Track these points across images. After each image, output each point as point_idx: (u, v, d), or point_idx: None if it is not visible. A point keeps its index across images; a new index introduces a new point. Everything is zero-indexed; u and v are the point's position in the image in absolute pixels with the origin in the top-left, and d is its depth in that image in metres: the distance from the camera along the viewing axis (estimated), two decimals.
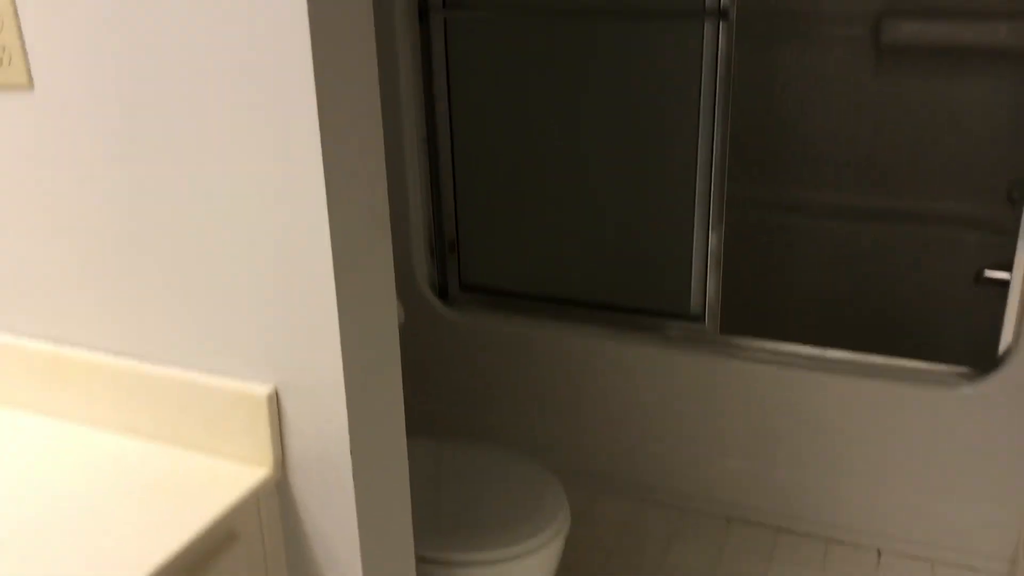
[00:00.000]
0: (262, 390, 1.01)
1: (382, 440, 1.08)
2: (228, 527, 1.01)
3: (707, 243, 2.11)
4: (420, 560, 1.48)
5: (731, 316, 2.26)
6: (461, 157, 2.31)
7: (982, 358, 1.99)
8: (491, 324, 2.33)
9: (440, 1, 2.17)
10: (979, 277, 2.04)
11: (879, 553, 2.13)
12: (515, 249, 2.34)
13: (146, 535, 0.93)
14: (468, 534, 1.51)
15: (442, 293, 2.42)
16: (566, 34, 2.10)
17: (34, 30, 1.03)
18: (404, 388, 1.12)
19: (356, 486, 1.03)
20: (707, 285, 2.14)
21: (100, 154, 1.03)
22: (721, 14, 1.91)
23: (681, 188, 2.11)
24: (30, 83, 1.05)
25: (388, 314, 1.05)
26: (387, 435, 1.09)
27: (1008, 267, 1.96)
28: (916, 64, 2.45)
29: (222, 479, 1.03)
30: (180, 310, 1.05)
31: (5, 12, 1.03)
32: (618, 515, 2.29)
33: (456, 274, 2.41)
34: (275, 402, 1.02)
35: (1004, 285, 1.98)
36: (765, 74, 2.60)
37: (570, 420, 2.33)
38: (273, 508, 1.07)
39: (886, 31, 2.42)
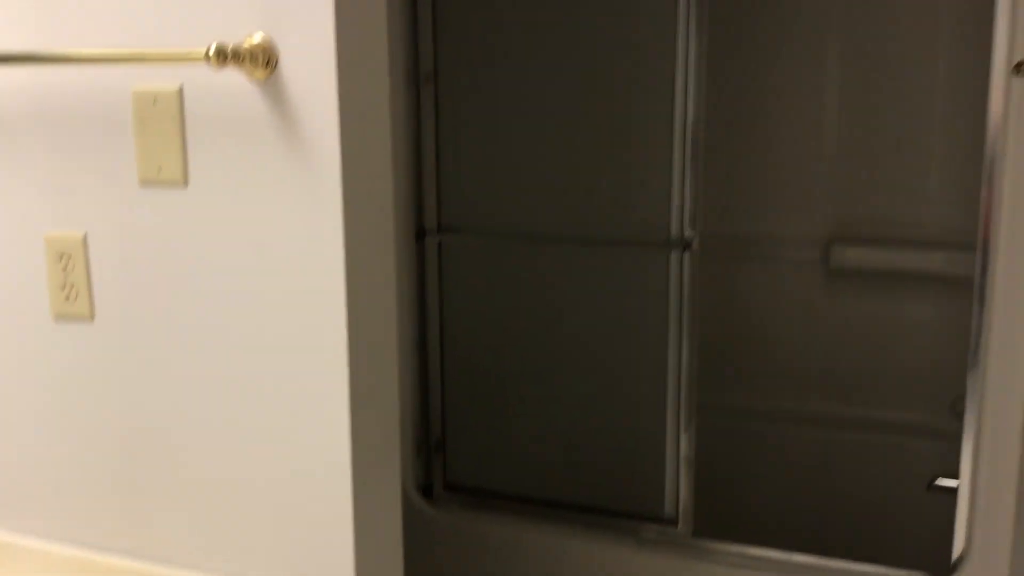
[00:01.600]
0: None
1: None
2: None
3: (679, 448, 2.26)
4: None
5: (703, 518, 2.37)
6: (450, 362, 2.49)
7: (939, 564, 2.11)
8: (472, 524, 2.43)
9: (436, 225, 2.41)
10: (931, 485, 2.20)
11: None
12: (499, 450, 2.47)
13: None
14: None
15: (427, 492, 2.53)
16: (548, 257, 2.34)
17: (100, 270, 1.21)
18: None
19: None
20: (680, 488, 2.27)
21: (144, 377, 1.19)
22: (685, 244, 2.15)
23: (655, 396, 2.28)
24: (92, 316, 1.22)
25: (394, 527, 1.19)
26: None
27: (957, 477, 2.11)
28: (862, 285, 2.71)
29: None
30: (204, 526, 1.17)
31: (77, 254, 1.22)
32: None
33: (441, 474, 2.52)
34: None
35: (955, 492, 2.13)
36: (729, 292, 2.84)
37: None
38: None
39: (834, 256, 2.69)
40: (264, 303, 1.13)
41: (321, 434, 1.11)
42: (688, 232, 2.15)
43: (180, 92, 1.14)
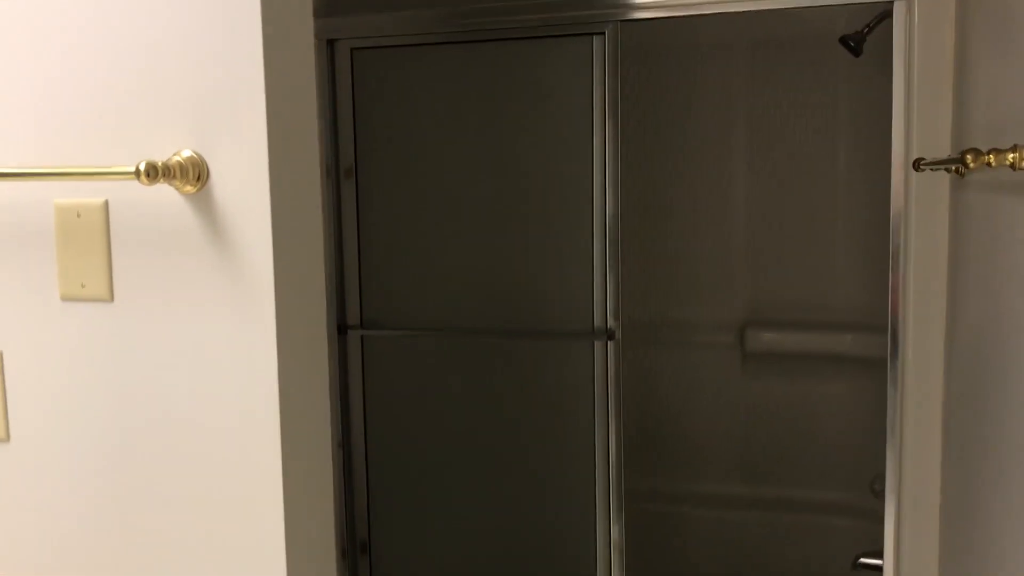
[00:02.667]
0: None
1: None
2: None
3: (610, 536, 2.25)
4: None
5: None
6: (374, 460, 2.44)
7: None
8: None
9: (358, 320, 2.39)
10: (856, 564, 2.23)
11: None
12: (427, 549, 2.42)
13: None
14: None
15: None
16: (472, 351, 2.34)
17: (16, 388, 1.16)
18: None
19: None
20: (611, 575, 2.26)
21: (62, 499, 1.13)
22: (608, 335, 2.18)
23: (583, 486, 2.28)
24: (7, 436, 1.16)
25: None
26: None
27: (881, 555, 2.15)
28: (778, 368, 2.78)
29: None
30: None
31: None
32: None
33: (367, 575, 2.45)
34: None
35: (880, 571, 2.17)
36: (649, 377, 2.88)
37: None
38: None
39: (749, 339, 2.76)
40: (194, 420, 1.10)
41: (256, 543, 1.07)
42: (611, 323, 2.18)
43: (105, 206, 1.12)
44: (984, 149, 1.54)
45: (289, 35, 1.14)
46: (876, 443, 2.66)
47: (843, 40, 2.29)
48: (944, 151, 1.90)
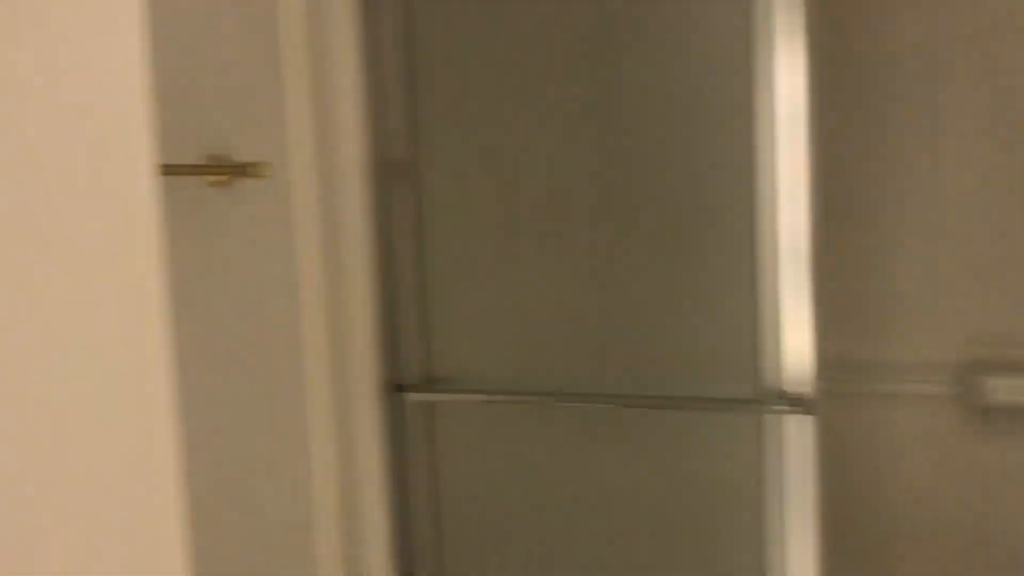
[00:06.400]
0: None
1: None
2: None
3: None
4: None
5: None
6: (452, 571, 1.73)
7: None
8: None
9: (424, 377, 1.66)
10: None
11: None
12: None
13: None
14: None
15: None
16: (589, 424, 1.59)
17: None
18: None
19: None
20: None
21: None
22: (804, 406, 1.39)
23: None
24: None
25: None
26: None
27: None
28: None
29: None
30: None
31: None
32: None
33: None
34: None
35: None
36: (837, 446, 2.07)
37: None
38: None
39: (982, 387, 1.93)
40: None
41: None
42: (803, 385, 1.40)
43: None
44: None
45: None
46: None
47: None
48: None
